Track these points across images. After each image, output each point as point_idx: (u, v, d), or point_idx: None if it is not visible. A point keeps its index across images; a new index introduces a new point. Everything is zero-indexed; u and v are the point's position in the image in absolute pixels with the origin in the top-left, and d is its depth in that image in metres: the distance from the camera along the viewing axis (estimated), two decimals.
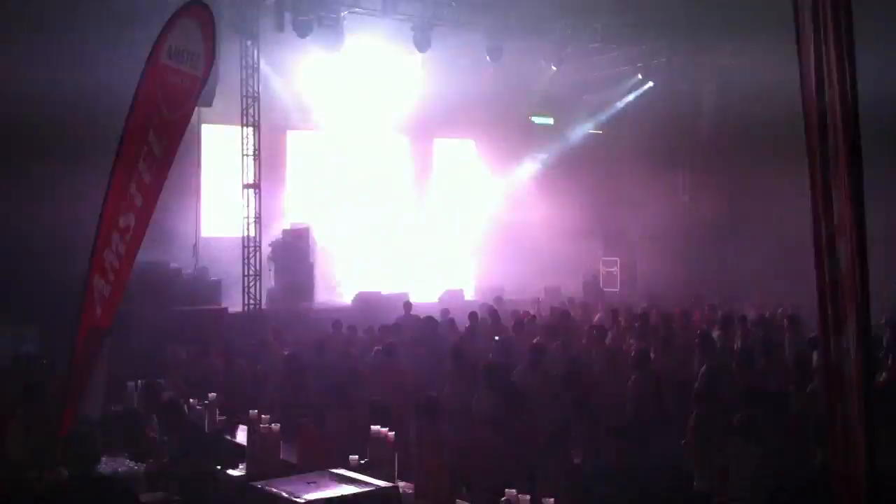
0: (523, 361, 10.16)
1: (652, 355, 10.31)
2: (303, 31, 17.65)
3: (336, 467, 6.58)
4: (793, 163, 6.99)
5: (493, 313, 14.72)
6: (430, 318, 13.60)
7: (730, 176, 22.35)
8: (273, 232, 18.56)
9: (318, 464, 6.82)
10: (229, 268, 18.23)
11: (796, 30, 4.62)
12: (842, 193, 4.35)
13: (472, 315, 14.23)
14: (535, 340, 11.51)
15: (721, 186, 22.57)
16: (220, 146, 20.01)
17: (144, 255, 8.38)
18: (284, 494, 5.93)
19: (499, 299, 16.84)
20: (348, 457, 6.95)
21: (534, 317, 15.18)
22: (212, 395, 9.06)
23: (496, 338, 12.82)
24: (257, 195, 17.67)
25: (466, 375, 9.72)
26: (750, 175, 21.59)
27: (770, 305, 15.92)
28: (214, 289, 17.49)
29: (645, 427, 7.59)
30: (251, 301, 17.32)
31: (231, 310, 16.98)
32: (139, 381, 9.47)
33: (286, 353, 11.51)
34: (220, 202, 19.82)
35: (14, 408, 7.81)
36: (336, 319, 13.91)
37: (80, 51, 15.59)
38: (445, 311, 15.04)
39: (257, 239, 17.57)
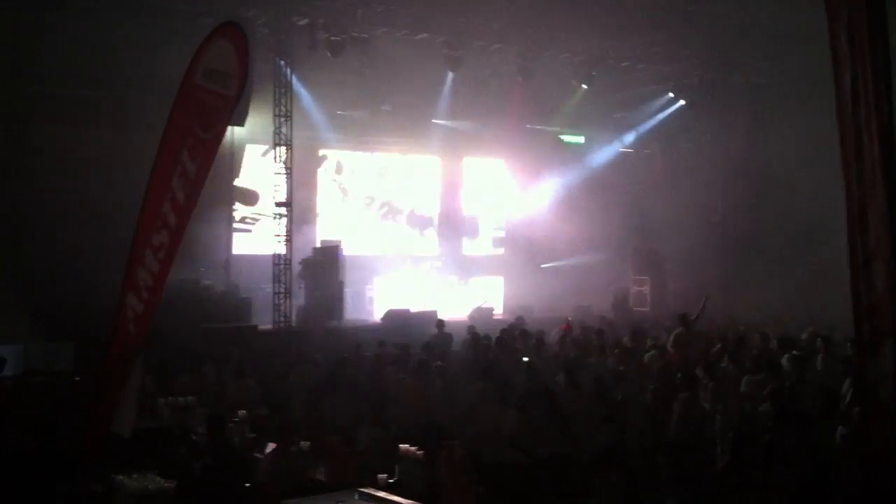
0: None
1: None
2: (335, 50, 17.80)
3: (365, 486, 6.56)
4: (828, 182, 6.93)
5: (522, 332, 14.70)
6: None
7: (762, 195, 22.15)
8: (304, 249, 18.65)
9: (346, 482, 6.81)
10: (260, 285, 18.41)
11: (832, 48, 4.60)
12: (878, 213, 4.31)
13: (503, 332, 14.28)
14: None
15: (753, 206, 22.37)
16: (252, 164, 20.22)
17: (176, 273, 8.44)
18: None
19: (521, 318, 16.75)
20: (377, 475, 6.93)
21: (570, 329, 15.21)
22: (242, 412, 9.09)
23: (525, 359, 12.76)
24: (289, 213, 17.77)
25: (497, 394, 9.68)
26: (783, 194, 21.40)
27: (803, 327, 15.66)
28: (245, 306, 17.59)
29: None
30: (281, 318, 17.38)
31: (261, 327, 17.04)
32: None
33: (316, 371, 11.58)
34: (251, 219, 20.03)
35: (48, 424, 7.87)
36: (357, 343, 13.81)
37: (116, 70, 15.85)
38: (471, 329, 15.02)
39: (288, 256, 17.65)
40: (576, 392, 9.68)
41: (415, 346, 13.12)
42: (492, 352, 12.93)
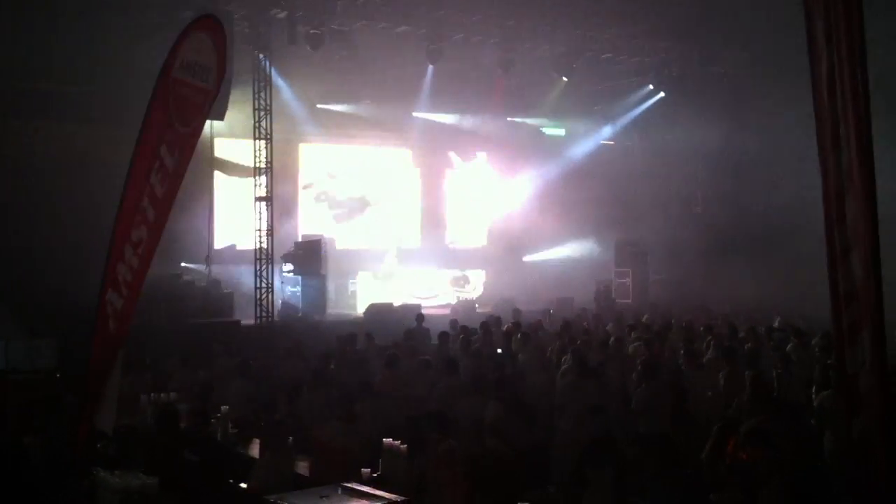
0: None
1: None
2: (315, 43, 17.72)
3: (348, 481, 6.55)
4: (807, 172, 6.97)
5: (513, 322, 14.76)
6: (443, 333, 13.59)
7: (742, 186, 22.27)
8: (285, 244, 18.59)
9: (330, 477, 6.80)
10: (241, 280, 18.35)
11: (808, 39, 4.62)
12: (855, 203, 4.34)
13: (483, 324, 14.28)
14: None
15: (734, 196, 22.49)
16: (232, 159, 20.15)
17: (157, 268, 8.40)
18: None
19: (517, 311, 16.75)
20: (360, 470, 6.93)
21: (540, 323, 15.27)
22: (224, 407, 9.07)
23: (499, 350, 12.80)
24: (269, 208, 17.70)
25: (477, 387, 9.68)
26: (763, 185, 21.51)
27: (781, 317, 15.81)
28: (227, 301, 17.51)
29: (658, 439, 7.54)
30: (263, 313, 17.32)
31: (243, 322, 16.99)
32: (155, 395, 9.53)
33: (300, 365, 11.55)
34: (232, 215, 19.94)
35: (30, 422, 7.82)
36: (339, 335, 13.76)
37: (94, 64, 15.74)
38: (454, 322, 15.01)
39: (269, 251, 17.58)
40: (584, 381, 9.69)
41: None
42: (474, 344, 12.92)
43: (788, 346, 12.03)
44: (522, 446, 7.70)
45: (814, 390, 9.34)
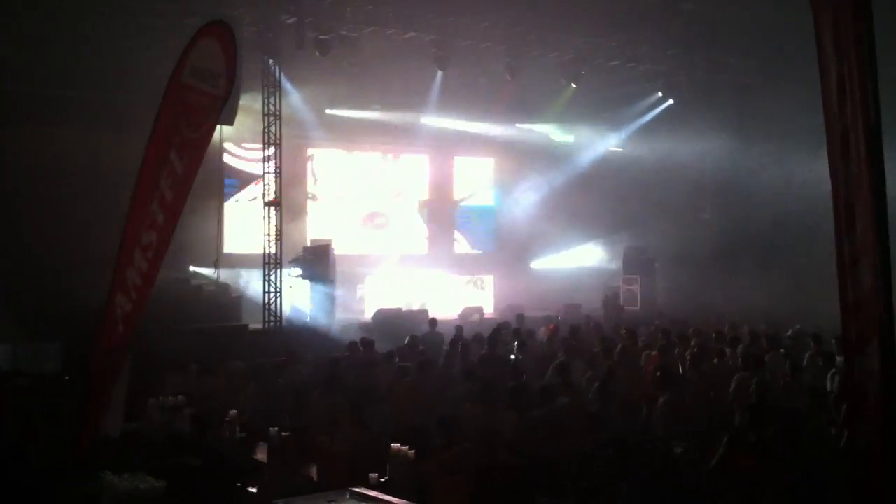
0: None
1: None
2: (324, 49, 17.77)
3: (356, 486, 6.55)
4: (817, 179, 6.97)
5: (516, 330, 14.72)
6: (454, 340, 13.59)
7: (751, 193, 22.22)
8: (294, 249, 18.62)
9: (337, 482, 6.80)
10: (249, 284, 18.38)
11: (818, 46, 4.61)
12: (864, 212, 4.32)
13: (495, 332, 14.23)
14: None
15: (742, 204, 22.44)
16: (242, 164, 20.21)
17: (166, 272, 8.41)
18: None
19: (520, 317, 16.73)
20: (368, 475, 6.93)
21: (557, 329, 15.23)
22: (232, 412, 9.08)
23: (512, 357, 12.78)
24: (278, 212, 17.74)
25: (487, 395, 9.67)
26: (771, 192, 21.46)
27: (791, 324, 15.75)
28: (235, 305, 17.54)
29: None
30: (271, 318, 17.35)
31: (251, 326, 17.01)
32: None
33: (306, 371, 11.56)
34: (241, 219, 19.99)
35: (35, 425, 7.84)
36: (352, 341, 13.73)
37: (103, 69, 15.80)
38: (459, 329, 14.99)
39: (278, 256, 17.61)
40: (569, 391, 9.68)
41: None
42: (485, 351, 12.89)
43: (807, 353, 12.02)
44: (537, 455, 7.68)
45: (832, 399, 9.33)
